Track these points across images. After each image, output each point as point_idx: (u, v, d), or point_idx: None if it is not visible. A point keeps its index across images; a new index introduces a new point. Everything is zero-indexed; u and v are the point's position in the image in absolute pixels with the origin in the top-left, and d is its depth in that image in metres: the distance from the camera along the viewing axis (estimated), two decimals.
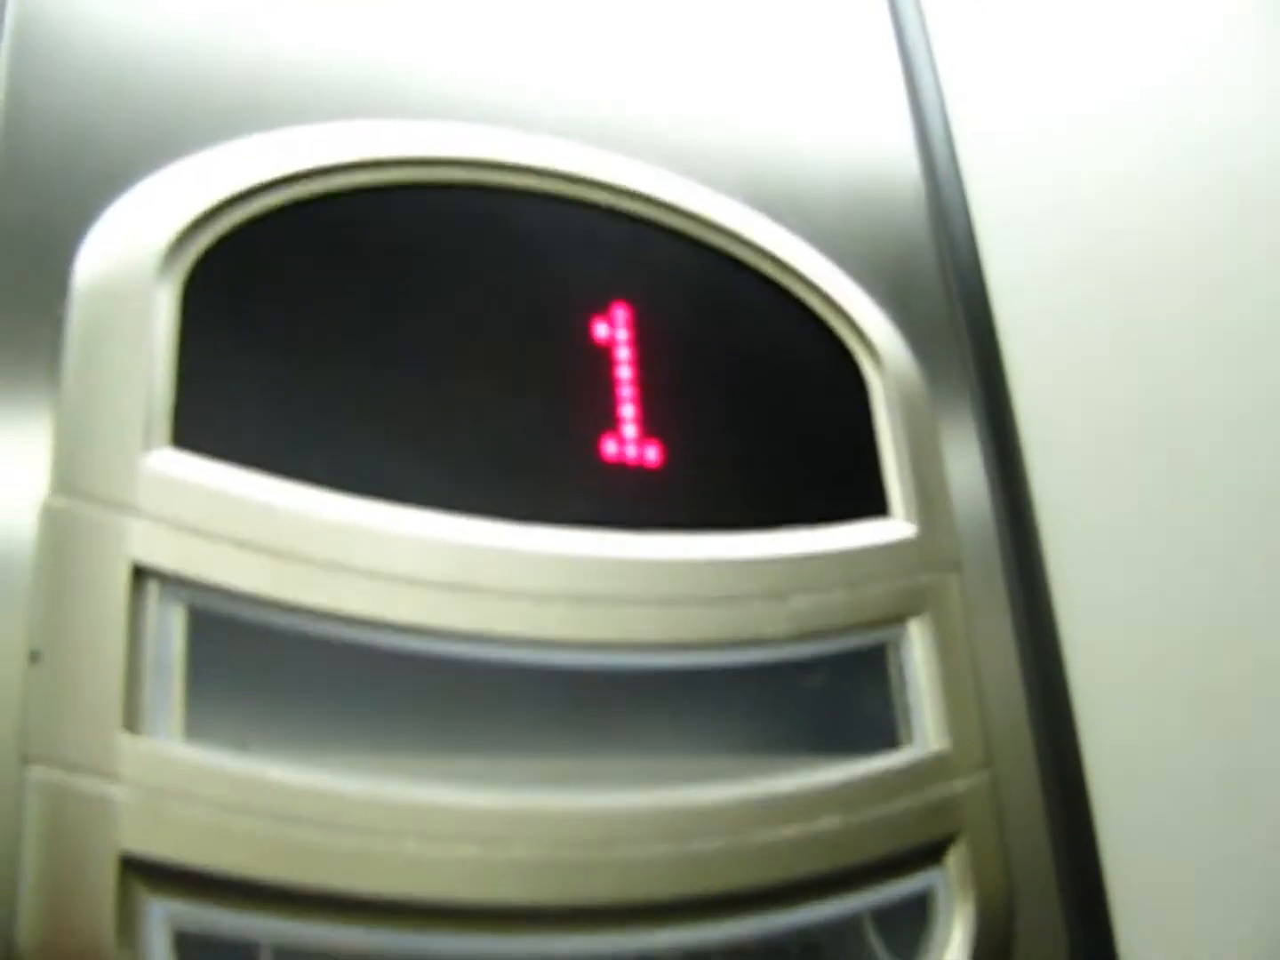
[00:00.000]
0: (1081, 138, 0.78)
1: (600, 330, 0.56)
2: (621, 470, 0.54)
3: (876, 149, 0.70)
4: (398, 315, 0.52)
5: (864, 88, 0.72)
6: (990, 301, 0.68)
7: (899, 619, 0.56)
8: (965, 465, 0.63)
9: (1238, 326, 0.77)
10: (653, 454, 0.55)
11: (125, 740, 0.42)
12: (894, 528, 0.58)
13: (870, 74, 0.73)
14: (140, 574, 0.44)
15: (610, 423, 0.55)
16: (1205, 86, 0.85)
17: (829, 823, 0.50)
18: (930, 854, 0.53)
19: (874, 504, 0.58)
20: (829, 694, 0.55)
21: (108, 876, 0.40)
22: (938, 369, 0.64)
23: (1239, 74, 0.86)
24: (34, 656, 0.42)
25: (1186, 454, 0.72)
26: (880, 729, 0.55)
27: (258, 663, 0.46)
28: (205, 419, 0.47)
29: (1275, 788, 0.65)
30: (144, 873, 0.41)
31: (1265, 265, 0.80)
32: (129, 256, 0.47)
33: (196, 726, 0.43)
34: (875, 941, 0.52)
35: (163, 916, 0.41)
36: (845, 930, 0.52)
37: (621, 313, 0.57)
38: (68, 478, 0.44)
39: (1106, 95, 0.82)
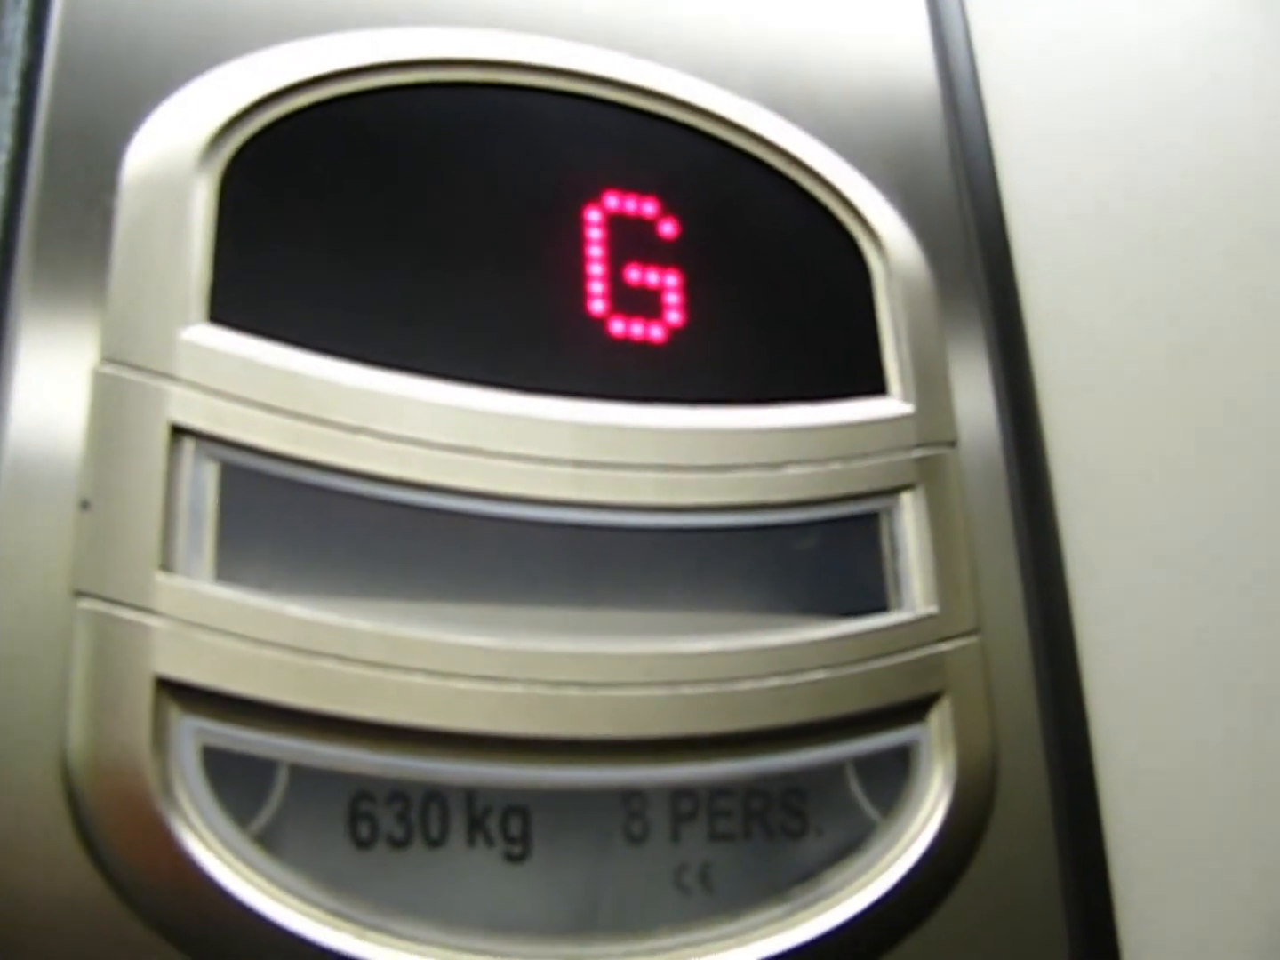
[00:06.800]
0: (1099, 34, 0.77)
1: (612, 215, 0.58)
2: (626, 345, 0.56)
3: (892, 45, 0.70)
4: (414, 203, 0.55)
5: None
6: (1000, 192, 0.68)
7: (892, 491, 0.58)
8: (970, 349, 0.63)
9: (1254, 222, 0.76)
10: (657, 331, 0.57)
11: (161, 578, 0.46)
12: (890, 406, 0.59)
13: None
14: (178, 433, 0.48)
15: (618, 300, 0.57)
16: None
17: (813, 675, 0.52)
18: (913, 711, 0.55)
19: (872, 383, 0.60)
20: (823, 559, 0.57)
21: (144, 695, 0.45)
22: (946, 257, 0.64)
23: None
24: (84, 505, 0.47)
25: (1193, 342, 0.71)
26: (872, 594, 0.57)
27: (281, 515, 0.50)
28: (238, 297, 0.51)
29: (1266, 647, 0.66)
30: (175, 693, 0.45)
31: None
32: (172, 153, 0.52)
33: (225, 569, 0.48)
34: (857, 790, 0.54)
35: (191, 732, 0.46)
36: (827, 778, 0.54)
37: (633, 200, 0.59)
38: (115, 348, 0.49)
39: None
